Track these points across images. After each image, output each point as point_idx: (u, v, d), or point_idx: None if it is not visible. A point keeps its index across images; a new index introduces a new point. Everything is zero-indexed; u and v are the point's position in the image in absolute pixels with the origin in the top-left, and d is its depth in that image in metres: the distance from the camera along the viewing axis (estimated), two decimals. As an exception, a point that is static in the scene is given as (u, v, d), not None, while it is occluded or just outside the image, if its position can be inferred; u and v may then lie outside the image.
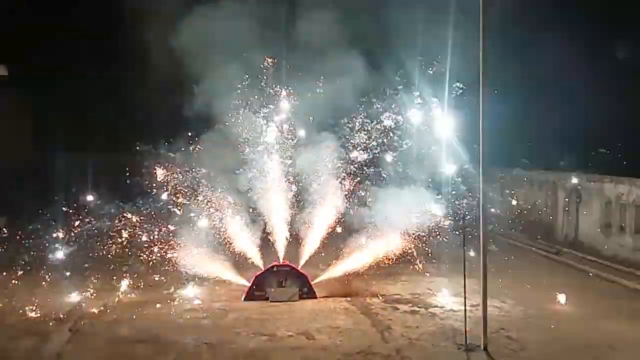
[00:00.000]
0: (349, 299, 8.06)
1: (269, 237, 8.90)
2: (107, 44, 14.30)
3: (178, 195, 8.96)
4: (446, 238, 8.78)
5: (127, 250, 8.92)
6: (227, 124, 8.66)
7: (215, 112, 8.72)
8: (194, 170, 8.92)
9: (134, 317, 7.31)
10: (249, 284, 8.11)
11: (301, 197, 8.90)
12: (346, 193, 8.83)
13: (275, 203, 8.69)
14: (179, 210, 8.94)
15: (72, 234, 9.04)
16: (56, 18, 14.92)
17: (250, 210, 8.82)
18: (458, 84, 8.56)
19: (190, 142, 9.05)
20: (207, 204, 8.84)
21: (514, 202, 13.36)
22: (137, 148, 9.30)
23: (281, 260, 8.47)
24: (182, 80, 9.07)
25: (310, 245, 8.83)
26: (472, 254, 7.24)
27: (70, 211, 9.37)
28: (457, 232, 8.12)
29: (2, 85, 15.05)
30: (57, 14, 14.96)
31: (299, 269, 8.31)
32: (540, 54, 14.86)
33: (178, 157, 9.10)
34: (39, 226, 9.51)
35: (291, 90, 8.82)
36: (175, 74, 9.26)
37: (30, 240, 9.40)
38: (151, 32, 9.32)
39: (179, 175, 8.97)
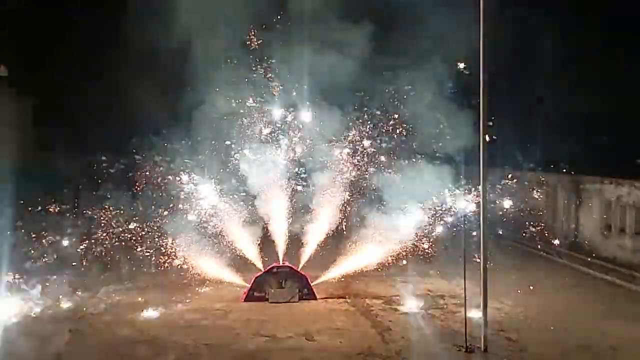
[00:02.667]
0: (349, 300, 8.06)
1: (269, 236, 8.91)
2: (107, 43, 14.27)
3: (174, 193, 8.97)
4: (446, 239, 8.79)
5: (126, 251, 8.93)
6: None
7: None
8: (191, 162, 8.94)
9: (134, 317, 7.30)
10: (249, 285, 8.11)
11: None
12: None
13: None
14: (177, 209, 8.94)
15: (70, 235, 9.05)
16: (56, 18, 14.91)
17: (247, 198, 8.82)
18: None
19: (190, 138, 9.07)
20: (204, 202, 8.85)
21: (513, 203, 13.31)
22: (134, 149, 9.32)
23: (281, 261, 8.47)
24: (184, 78, 9.07)
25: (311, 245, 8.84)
26: (472, 254, 7.23)
27: (69, 210, 9.38)
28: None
29: (2, 85, 15.03)
30: (57, 14, 14.95)
31: (298, 269, 8.31)
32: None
33: (177, 153, 9.12)
34: (42, 225, 9.52)
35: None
36: (175, 74, 9.24)
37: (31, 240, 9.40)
38: (150, 26, 9.25)
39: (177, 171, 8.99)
